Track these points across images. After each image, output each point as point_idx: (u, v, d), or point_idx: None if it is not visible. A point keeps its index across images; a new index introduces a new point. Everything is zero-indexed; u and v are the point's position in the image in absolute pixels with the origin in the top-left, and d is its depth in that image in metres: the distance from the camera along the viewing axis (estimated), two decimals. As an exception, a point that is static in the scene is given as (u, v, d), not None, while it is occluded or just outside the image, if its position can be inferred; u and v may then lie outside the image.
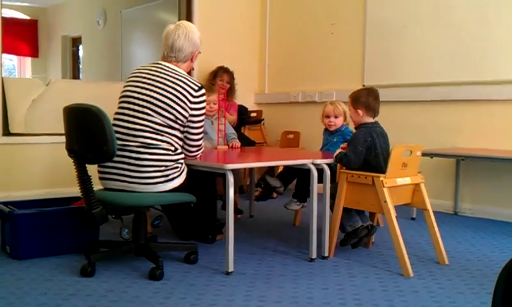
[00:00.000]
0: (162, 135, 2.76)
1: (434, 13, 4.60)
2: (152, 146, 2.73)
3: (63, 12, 9.59)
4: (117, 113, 2.84)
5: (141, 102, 2.77)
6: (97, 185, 2.79)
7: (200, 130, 2.93)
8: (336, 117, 3.63)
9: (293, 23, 5.87)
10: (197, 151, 2.97)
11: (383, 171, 2.96)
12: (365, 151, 3.01)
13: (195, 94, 2.83)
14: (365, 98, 3.11)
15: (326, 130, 3.74)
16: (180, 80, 2.83)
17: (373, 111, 3.12)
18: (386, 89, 4.70)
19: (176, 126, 2.80)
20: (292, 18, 5.88)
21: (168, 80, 2.81)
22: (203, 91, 2.88)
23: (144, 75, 2.87)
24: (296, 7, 5.83)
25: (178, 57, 2.91)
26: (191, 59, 2.97)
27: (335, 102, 3.69)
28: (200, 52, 3.03)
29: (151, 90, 2.78)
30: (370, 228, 3.16)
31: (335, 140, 3.60)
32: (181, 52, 2.90)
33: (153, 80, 2.82)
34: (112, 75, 7.74)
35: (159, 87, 2.78)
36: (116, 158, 2.69)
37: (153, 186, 2.74)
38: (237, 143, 3.81)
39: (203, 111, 2.90)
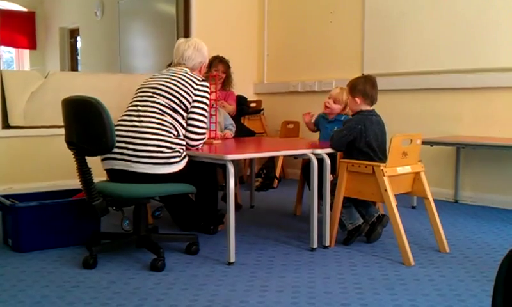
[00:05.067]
0: (165, 116, 2.90)
1: (433, 1, 4.57)
2: (154, 125, 2.86)
3: (60, 3, 9.54)
4: (129, 102, 3.05)
5: (148, 89, 3.02)
6: (97, 177, 2.79)
7: (203, 119, 3.05)
8: (334, 102, 3.60)
9: (291, 12, 5.84)
10: (199, 139, 3.05)
11: (377, 157, 2.97)
12: (351, 138, 3.05)
13: (198, 82, 3.04)
14: (362, 86, 3.11)
15: (323, 117, 3.73)
16: (185, 73, 3.08)
17: (370, 99, 3.13)
18: (386, 78, 4.69)
19: (180, 110, 2.95)
20: (290, 7, 5.86)
21: (174, 73, 3.08)
22: (206, 83, 3.07)
23: (155, 74, 3.17)
24: (295, -4, 5.81)
25: (188, 64, 3.16)
26: (199, 70, 3.22)
27: (343, 89, 3.62)
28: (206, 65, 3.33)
29: (158, 80, 3.06)
30: (382, 217, 3.16)
31: (335, 129, 3.59)
32: (190, 60, 3.16)
33: (162, 74, 3.12)
34: (110, 66, 7.72)
35: (165, 78, 3.05)
36: (120, 138, 2.80)
37: (152, 166, 2.80)
38: (228, 133, 3.80)
39: (206, 101, 3.06)
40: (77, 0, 8.96)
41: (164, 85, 2.99)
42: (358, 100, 3.12)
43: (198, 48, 3.19)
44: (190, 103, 2.99)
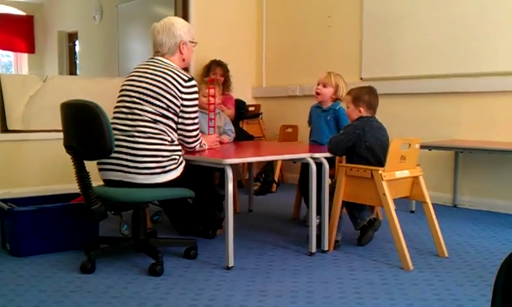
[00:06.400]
0: (157, 124, 2.81)
1: (432, 4, 4.58)
2: (147, 135, 2.77)
3: (58, 7, 9.56)
4: (116, 107, 2.93)
5: (134, 94, 2.87)
6: (96, 181, 2.79)
7: (194, 121, 2.96)
8: (324, 86, 3.60)
9: (290, 16, 5.85)
10: (194, 142, 3.00)
11: (378, 163, 2.98)
12: (350, 144, 3.04)
13: (185, 84, 2.89)
14: (368, 97, 3.11)
15: (317, 107, 3.72)
16: (171, 71, 2.90)
17: (373, 109, 3.15)
18: (384, 82, 4.70)
19: (170, 115, 2.85)
20: (288, 12, 5.86)
21: (159, 71, 2.90)
22: (193, 82, 2.94)
23: (139, 69, 2.98)
24: (293, 0, 5.81)
25: (162, 51, 2.99)
26: (180, 51, 3.02)
27: (330, 72, 3.65)
28: (191, 42, 3.06)
29: (142, 81, 2.88)
30: (373, 220, 3.17)
31: (328, 118, 3.59)
32: (164, 46, 2.98)
33: (145, 72, 2.93)
34: (109, 70, 7.72)
35: (149, 78, 2.88)
36: (115, 149, 2.71)
37: (150, 177, 2.76)
38: (225, 138, 3.75)
39: (195, 102, 2.95)
40: (76, 4, 8.98)
41: (149, 89, 2.83)
42: (362, 110, 3.10)
43: (168, 29, 2.99)
44: (178, 107, 2.87)
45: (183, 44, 3.02)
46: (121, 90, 2.96)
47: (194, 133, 2.99)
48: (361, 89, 3.19)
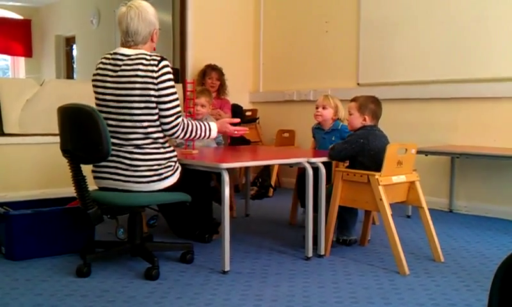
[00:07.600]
0: (149, 135, 2.70)
1: (429, 10, 4.60)
2: (142, 146, 2.71)
3: (56, 12, 9.57)
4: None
5: (119, 110, 2.69)
6: (92, 185, 2.78)
7: (174, 103, 2.72)
8: (324, 108, 3.62)
9: (287, 21, 5.86)
10: (172, 127, 2.73)
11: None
12: (353, 153, 3.06)
13: (157, 69, 2.66)
14: (374, 106, 3.14)
15: (318, 128, 3.74)
16: (139, 64, 2.67)
17: (377, 120, 3.18)
18: (381, 87, 4.71)
19: (155, 110, 2.68)
20: (286, 17, 5.88)
21: (128, 70, 2.67)
22: (164, 62, 2.70)
23: (107, 72, 2.73)
24: (290, 6, 5.83)
25: (136, 40, 2.75)
26: (151, 40, 2.81)
27: (326, 95, 3.70)
28: (159, 29, 2.86)
29: (120, 89, 2.68)
30: (354, 241, 3.32)
31: (333, 138, 3.58)
32: (138, 35, 2.74)
33: (117, 76, 2.69)
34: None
35: (125, 82, 2.66)
36: (109, 158, 2.68)
37: (147, 185, 2.72)
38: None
39: (171, 83, 2.71)
40: (73, 8, 8.99)
41: (135, 101, 2.65)
42: (367, 118, 3.12)
43: (143, 17, 2.73)
44: (158, 92, 2.66)
45: (156, 32, 2.82)
46: (100, 105, 2.74)
47: (174, 117, 2.72)
48: (368, 98, 3.19)
